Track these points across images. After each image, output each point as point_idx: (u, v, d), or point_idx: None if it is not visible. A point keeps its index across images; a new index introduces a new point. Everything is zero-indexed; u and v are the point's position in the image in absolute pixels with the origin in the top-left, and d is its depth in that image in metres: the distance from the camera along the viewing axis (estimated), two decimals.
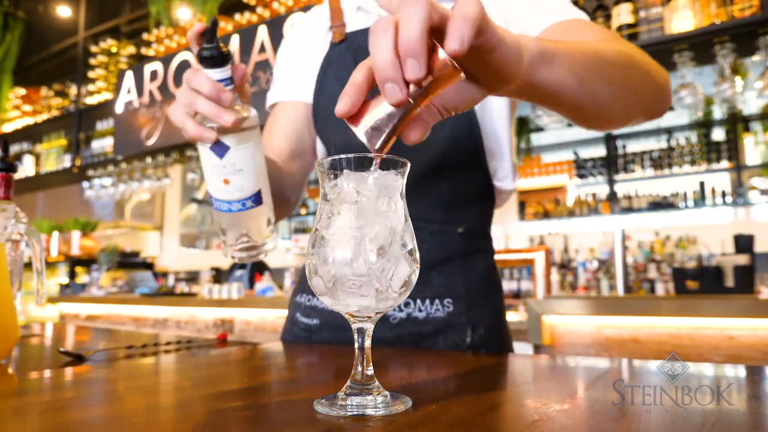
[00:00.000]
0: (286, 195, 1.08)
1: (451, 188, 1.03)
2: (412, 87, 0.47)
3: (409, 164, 0.54)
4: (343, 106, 0.49)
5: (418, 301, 0.99)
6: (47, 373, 0.76)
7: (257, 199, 0.80)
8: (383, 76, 0.46)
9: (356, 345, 0.53)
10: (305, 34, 1.18)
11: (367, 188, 0.51)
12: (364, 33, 1.06)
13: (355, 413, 0.48)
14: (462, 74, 0.49)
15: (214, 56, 0.72)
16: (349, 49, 1.07)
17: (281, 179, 1.03)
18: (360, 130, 0.50)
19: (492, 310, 1.04)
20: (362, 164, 0.51)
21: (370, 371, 0.52)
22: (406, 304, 0.99)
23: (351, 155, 0.51)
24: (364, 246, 0.49)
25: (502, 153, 1.07)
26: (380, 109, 0.49)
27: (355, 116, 0.50)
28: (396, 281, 0.50)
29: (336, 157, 0.51)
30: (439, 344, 0.99)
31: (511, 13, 0.99)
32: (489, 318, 1.02)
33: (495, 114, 1.05)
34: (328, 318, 1.04)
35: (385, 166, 0.52)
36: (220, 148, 0.77)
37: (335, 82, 1.07)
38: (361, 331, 0.53)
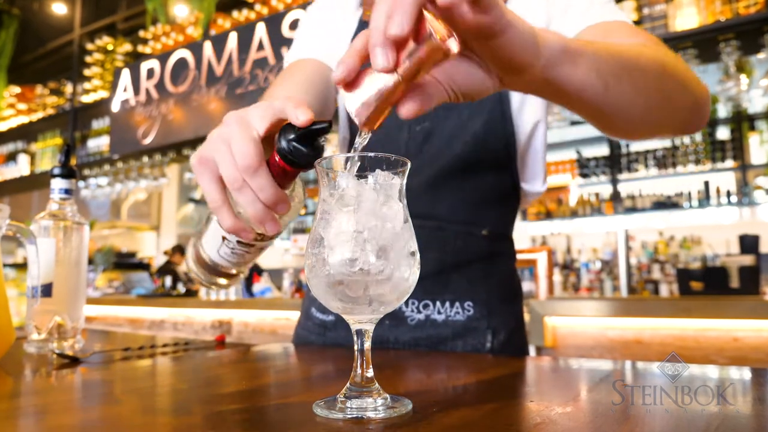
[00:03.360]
0: None
1: (477, 188, 1.00)
2: (402, 57, 0.45)
3: (409, 163, 0.52)
4: (339, 73, 0.48)
5: (438, 303, 0.97)
6: (42, 375, 0.75)
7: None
8: (373, 40, 0.44)
9: (355, 347, 0.52)
10: (333, 6, 1.12)
11: (366, 188, 0.50)
12: None
13: (355, 416, 0.47)
14: (450, 48, 0.46)
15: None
16: None
17: None
18: (350, 104, 0.47)
19: (512, 315, 1.02)
20: (362, 164, 0.51)
21: (370, 373, 0.52)
22: (425, 306, 0.97)
23: (350, 154, 0.50)
24: (362, 247, 0.48)
25: (536, 153, 1.03)
26: (371, 81, 0.47)
27: (351, 84, 0.48)
28: (395, 283, 0.50)
29: (335, 156, 0.51)
30: (457, 348, 0.96)
31: (550, 14, 0.95)
32: (510, 323, 1.01)
33: (532, 112, 1.00)
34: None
35: (384, 165, 0.51)
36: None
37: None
38: (360, 333, 0.52)
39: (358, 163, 0.50)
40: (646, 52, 0.69)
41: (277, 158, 0.56)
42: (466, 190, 0.99)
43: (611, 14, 0.89)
